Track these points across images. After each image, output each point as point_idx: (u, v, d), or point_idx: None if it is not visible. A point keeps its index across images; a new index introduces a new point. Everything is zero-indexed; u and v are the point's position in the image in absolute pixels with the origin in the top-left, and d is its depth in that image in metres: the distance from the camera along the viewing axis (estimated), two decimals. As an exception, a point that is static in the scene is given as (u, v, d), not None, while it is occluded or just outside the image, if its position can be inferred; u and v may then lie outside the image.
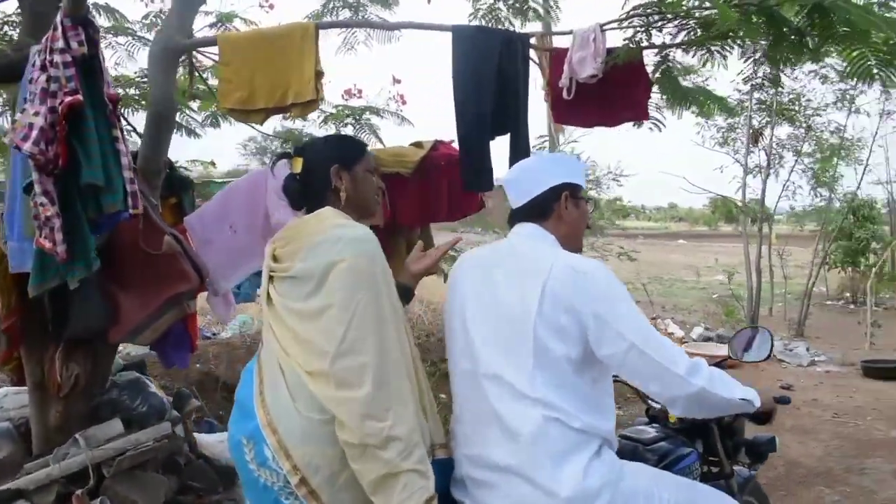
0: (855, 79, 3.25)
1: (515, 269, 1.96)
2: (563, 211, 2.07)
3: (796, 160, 12.73)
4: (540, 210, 2.07)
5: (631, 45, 2.92)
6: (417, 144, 3.72)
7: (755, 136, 12.04)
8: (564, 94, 3.06)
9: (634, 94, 3.15)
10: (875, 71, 3.17)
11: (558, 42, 3.27)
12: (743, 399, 1.98)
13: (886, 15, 2.78)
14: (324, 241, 1.89)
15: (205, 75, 4.67)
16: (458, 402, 2.04)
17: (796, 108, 11.42)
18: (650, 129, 3.53)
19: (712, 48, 2.93)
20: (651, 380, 1.87)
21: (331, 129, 5.16)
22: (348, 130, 5.17)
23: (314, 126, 5.58)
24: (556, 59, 3.16)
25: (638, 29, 2.91)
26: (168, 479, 3.26)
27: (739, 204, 12.10)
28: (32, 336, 3.08)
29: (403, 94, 5.57)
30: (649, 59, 3.12)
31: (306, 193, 2.09)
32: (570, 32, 3.07)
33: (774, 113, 11.30)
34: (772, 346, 2.45)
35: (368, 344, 1.81)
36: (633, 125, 3.47)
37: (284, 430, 1.83)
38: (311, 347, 1.85)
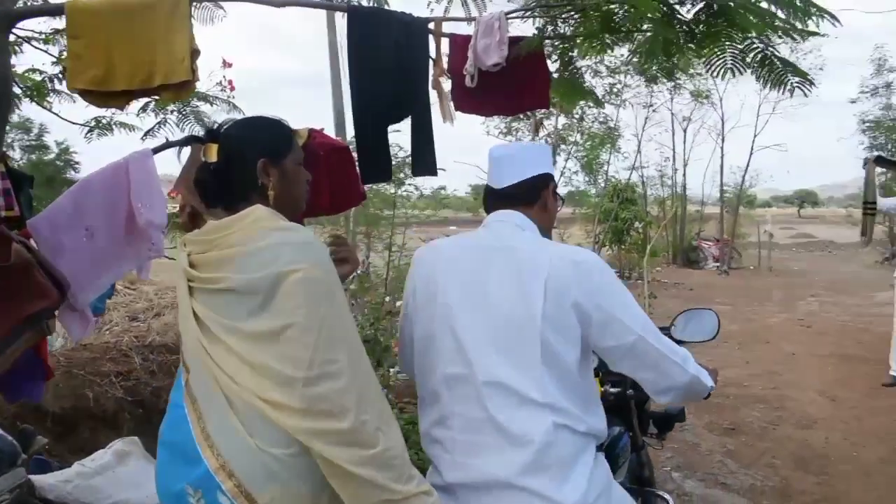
0: (717, 75, 3.50)
1: (511, 268, 1.81)
2: (549, 200, 1.98)
3: (571, 148, 13.77)
4: (528, 195, 1.94)
5: (536, 35, 2.89)
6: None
7: (536, 126, 12.85)
8: (468, 82, 2.96)
9: (535, 84, 3.11)
10: (730, 65, 3.44)
11: (457, 28, 3.16)
12: (712, 385, 2.05)
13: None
14: (264, 248, 1.60)
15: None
16: (444, 407, 1.84)
17: (571, 99, 12.35)
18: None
19: (607, 41, 2.99)
20: (651, 370, 1.85)
21: (150, 119, 4.58)
22: (172, 118, 4.64)
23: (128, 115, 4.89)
24: (456, 45, 3.05)
25: (545, 18, 2.88)
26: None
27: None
28: None
29: (232, 79, 5.08)
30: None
31: (224, 189, 1.75)
32: (474, 19, 2.98)
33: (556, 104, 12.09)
34: (719, 325, 2.51)
35: (342, 365, 1.56)
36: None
37: (244, 473, 1.54)
38: (268, 374, 1.55)
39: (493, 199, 1.97)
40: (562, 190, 14.91)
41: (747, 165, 19.25)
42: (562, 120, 13.35)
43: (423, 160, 3.09)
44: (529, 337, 1.75)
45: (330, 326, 1.57)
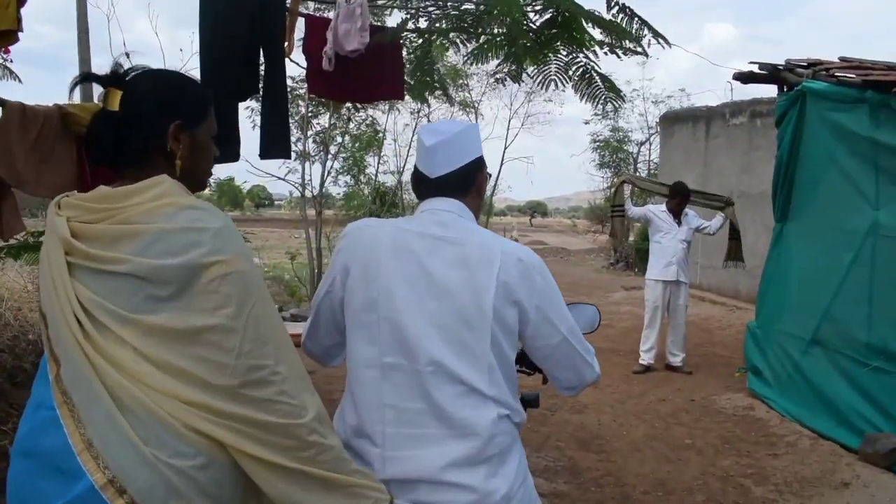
0: (543, 87, 3.76)
1: (460, 259, 1.78)
2: (482, 185, 1.97)
3: (338, 149, 13.83)
4: (463, 183, 1.90)
5: (398, 26, 2.90)
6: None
7: (305, 124, 12.72)
8: (325, 65, 2.88)
9: (391, 74, 3.12)
10: (553, 76, 3.72)
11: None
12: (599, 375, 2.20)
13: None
14: (177, 230, 1.40)
15: None
16: (374, 398, 1.77)
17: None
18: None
19: (456, 41, 3.09)
20: (568, 369, 1.93)
21: None
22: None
23: None
24: (313, 25, 2.95)
25: (407, 12, 2.91)
26: None
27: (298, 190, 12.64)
28: None
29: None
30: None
31: (121, 147, 1.52)
32: (334, 2, 2.90)
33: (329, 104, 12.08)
34: (599, 319, 2.65)
35: (270, 370, 1.43)
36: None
37: (138, 489, 1.31)
38: (181, 376, 1.38)
39: (427, 187, 1.92)
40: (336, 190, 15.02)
41: (498, 175, 20.58)
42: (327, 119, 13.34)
43: (276, 141, 2.95)
44: (480, 329, 1.74)
45: (256, 327, 1.43)
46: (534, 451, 5.02)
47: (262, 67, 2.88)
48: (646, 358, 7.36)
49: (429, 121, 17.31)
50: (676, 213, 7.28)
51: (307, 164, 12.45)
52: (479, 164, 1.95)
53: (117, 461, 1.31)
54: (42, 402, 1.39)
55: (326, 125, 12.85)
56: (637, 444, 5.25)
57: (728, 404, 6.17)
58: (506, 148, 21.57)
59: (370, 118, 13.98)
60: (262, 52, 2.84)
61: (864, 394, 4.92)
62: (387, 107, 13.63)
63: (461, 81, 14.32)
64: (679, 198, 7.28)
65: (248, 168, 12.61)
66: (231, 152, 2.87)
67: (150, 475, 1.32)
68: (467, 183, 1.92)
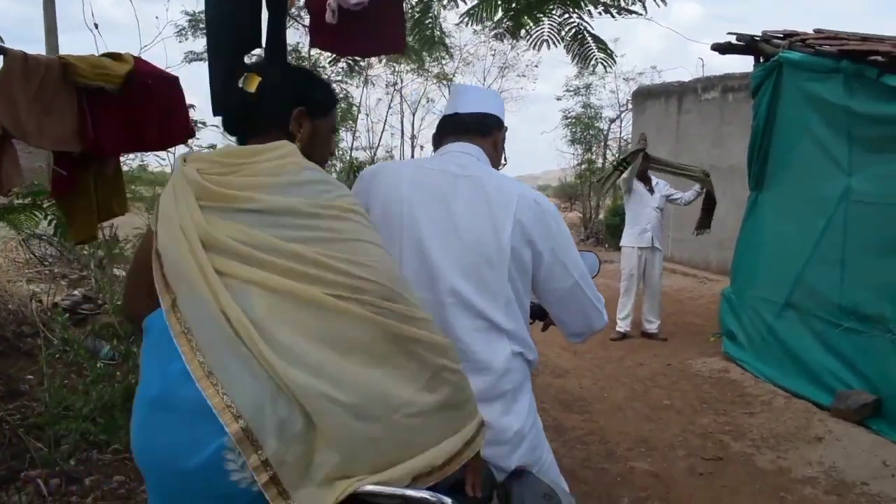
0: (535, 47, 3.83)
1: (479, 197, 1.85)
2: (499, 143, 2.05)
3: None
4: (484, 128, 2.00)
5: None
6: (113, 56, 3.06)
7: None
8: (328, 17, 2.89)
9: (394, 26, 3.15)
10: (546, 37, 3.79)
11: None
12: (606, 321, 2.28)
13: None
14: (304, 181, 1.50)
15: None
16: None
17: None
18: None
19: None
20: (578, 313, 2.01)
21: None
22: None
23: None
24: (313, -20, 2.96)
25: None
26: None
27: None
28: None
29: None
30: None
31: (252, 121, 1.69)
32: (335, -44, 2.92)
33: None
34: (599, 265, 2.72)
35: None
36: None
37: (251, 416, 1.32)
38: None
39: (451, 126, 2.01)
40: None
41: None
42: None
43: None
44: (499, 265, 1.81)
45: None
46: (519, 412, 5.13)
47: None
48: (622, 325, 7.52)
49: (402, 96, 17.25)
50: (647, 181, 7.39)
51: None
52: (500, 122, 2.06)
53: (233, 389, 1.32)
54: (172, 355, 1.37)
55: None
56: (618, 405, 5.39)
57: (704, 368, 6.35)
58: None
59: (344, 91, 13.91)
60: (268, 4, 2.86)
61: (836, 353, 5.11)
62: (362, 80, 13.56)
63: (436, 55, 14.30)
64: (644, 163, 7.37)
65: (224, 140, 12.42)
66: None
67: (260, 394, 1.33)
68: (488, 128, 2.02)
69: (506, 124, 2.10)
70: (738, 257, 6.44)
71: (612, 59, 3.55)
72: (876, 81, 4.71)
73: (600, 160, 17.35)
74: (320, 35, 3.04)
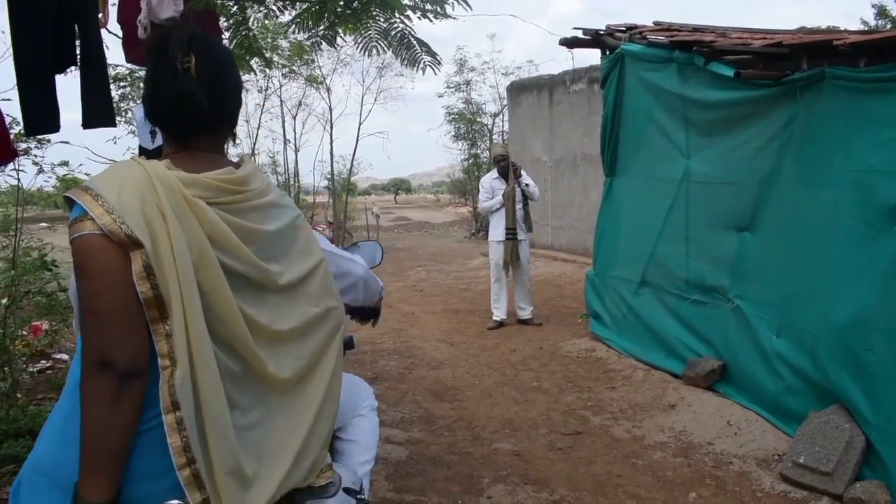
0: (364, 52, 3.90)
1: None
2: None
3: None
4: None
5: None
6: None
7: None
8: (140, 33, 2.89)
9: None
10: (374, 42, 3.87)
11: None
12: (382, 286, 2.41)
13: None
14: (280, 198, 1.58)
15: None
16: None
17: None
18: None
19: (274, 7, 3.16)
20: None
21: None
22: None
23: None
24: (125, -9, 2.95)
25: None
26: None
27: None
28: None
29: None
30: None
31: (212, 116, 1.47)
32: (147, -33, 2.90)
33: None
34: (382, 254, 2.83)
35: None
36: None
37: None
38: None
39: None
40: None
41: (354, 151, 20.60)
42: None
43: (97, 111, 2.93)
44: None
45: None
46: (391, 405, 5.22)
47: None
48: (497, 314, 7.73)
49: (281, 100, 17.02)
50: (505, 176, 7.61)
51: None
52: None
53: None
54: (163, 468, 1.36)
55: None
56: (488, 391, 5.56)
57: (573, 349, 6.62)
58: (360, 124, 21.58)
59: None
60: (72, 20, 2.81)
61: (686, 325, 5.45)
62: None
63: (307, 57, 14.19)
64: (499, 161, 7.65)
65: (88, 156, 11.95)
66: (52, 125, 2.85)
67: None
68: None
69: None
70: (598, 241, 6.75)
71: (439, 62, 3.67)
72: (703, 69, 5.04)
73: (485, 155, 17.66)
74: (134, 51, 3.04)
